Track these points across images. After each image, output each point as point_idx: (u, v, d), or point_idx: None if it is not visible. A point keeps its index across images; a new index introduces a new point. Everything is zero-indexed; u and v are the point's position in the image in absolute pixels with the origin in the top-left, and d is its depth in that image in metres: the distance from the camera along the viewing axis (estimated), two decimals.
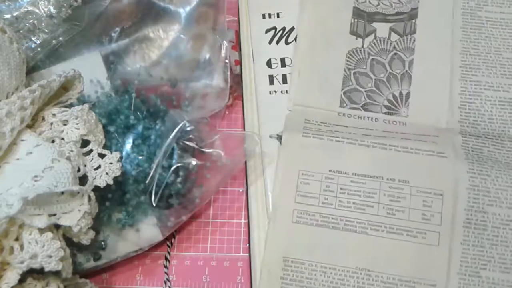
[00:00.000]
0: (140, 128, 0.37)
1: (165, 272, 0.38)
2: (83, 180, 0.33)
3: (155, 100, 0.39)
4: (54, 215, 0.29)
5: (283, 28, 0.45)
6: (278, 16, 0.45)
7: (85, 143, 0.34)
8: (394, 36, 0.43)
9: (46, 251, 0.28)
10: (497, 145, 0.39)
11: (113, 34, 0.42)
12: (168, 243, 0.39)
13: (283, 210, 0.37)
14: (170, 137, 0.36)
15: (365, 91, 0.41)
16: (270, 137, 0.40)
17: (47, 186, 0.29)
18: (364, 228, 0.36)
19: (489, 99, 0.41)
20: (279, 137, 0.40)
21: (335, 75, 0.42)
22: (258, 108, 0.42)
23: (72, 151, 0.33)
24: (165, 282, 0.38)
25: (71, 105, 0.36)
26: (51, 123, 0.34)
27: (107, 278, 0.37)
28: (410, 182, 0.37)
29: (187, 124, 0.37)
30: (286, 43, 0.44)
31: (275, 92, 0.42)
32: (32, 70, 0.40)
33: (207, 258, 0.38)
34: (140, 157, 0.36)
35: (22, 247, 0.28)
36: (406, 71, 0.42)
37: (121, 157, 0.34)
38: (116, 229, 0.36)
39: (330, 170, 0.37)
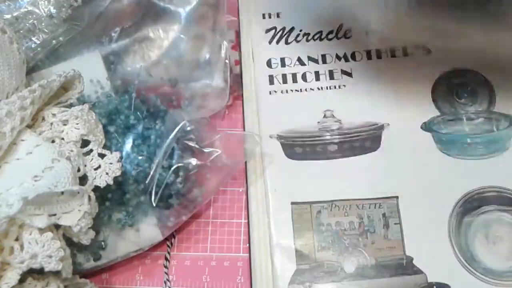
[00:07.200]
0: (140, 128, 0.37)
1: (165, 272, 0.38)
2: (83, 180, 0.33)
3: (155, 100, 0.39)
4: (54, 215, 0.29)
5: (283, 28, 0.45)
6: (278, 16, 0.45)
7: (85, 143, 0.34)
8: None
9: (46, 251, 0.28)
10: None
11: (113, 34, 0.42)
12: (168, 243, 0.39)
13: None
14: (170, 137, 0.36)
15: None
16: (270, 137, 0.40)
17: (47, 186, 0.29)
18: None
19: None
20: (279, 137, 0.40)
21: None
22: (258, 108, 0.42)
23: (72, 151, 0.33)
24: (165, 282, 0.37)
25: (71, 105, 0.36)
26: (51, 123, 0.34)
27: (107, 278, 0.37)
28: None
29: (187, 124, 0.37)
30: (286, 43, 0.44)
31: (275, 92, 0.42)
32: (32, 70, 0.40)
33: (207, 258, 0.38)
34: (140, 157, 0.36)
35: (22, 247, 0.28)
36: None
37: (121, 157, 0.34)
38: (116, 229, 0.36)
39: None
